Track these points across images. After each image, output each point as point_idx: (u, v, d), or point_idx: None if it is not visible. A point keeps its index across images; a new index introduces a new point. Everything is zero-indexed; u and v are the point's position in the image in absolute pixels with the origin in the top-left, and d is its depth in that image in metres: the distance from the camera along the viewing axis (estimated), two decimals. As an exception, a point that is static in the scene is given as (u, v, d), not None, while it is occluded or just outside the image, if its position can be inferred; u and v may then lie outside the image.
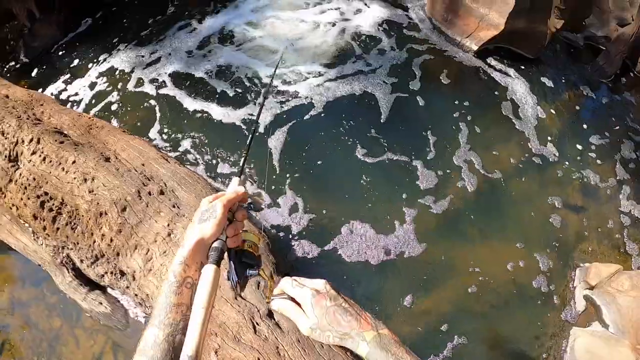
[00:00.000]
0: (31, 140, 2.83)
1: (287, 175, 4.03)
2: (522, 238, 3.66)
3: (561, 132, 4.41)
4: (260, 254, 1.08)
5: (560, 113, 4.57)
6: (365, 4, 5.80)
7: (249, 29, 5.64)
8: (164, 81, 5.20)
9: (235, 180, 1.15)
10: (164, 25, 6.11)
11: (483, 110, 4.51)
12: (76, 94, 5.38)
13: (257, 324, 1.90)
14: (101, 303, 2.51)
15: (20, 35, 6.37)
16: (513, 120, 4.42)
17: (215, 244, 0.99)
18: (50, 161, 2.70)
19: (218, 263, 0.96)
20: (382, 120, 4.42)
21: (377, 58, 5.02)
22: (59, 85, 5.58)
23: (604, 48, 5.17)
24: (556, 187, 4.00)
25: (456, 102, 4.55)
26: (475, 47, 4.94)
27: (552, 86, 4.80)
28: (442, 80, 4.75)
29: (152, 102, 4.98)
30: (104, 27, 6.42)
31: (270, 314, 1.92)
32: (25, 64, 6.12)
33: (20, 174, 2.78)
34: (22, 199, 2.73)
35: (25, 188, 2.72)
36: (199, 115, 4.72)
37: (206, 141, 4.44)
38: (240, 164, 1.23)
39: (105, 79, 5.48)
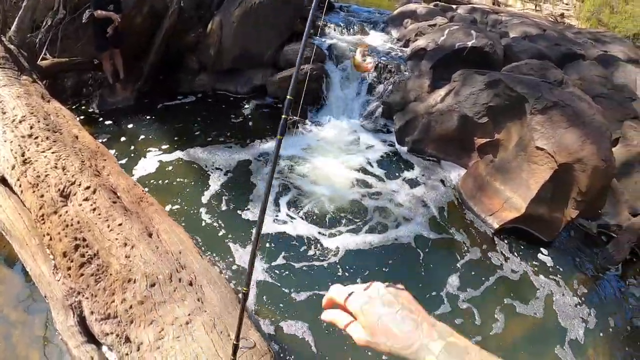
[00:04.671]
0: (88, 187, 3.15)
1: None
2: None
3: (565, 313, 4.58)
4: None
5: (568, 294, 4.78)
6: (402, 167, 6.49)
7: (296, 165, 6.26)
8: (208, 180, 5.68)
9: None
10: (225, 133, 6.80)
11: (494, 284, 4.75)
12: (126, 158, 5.87)
13: None
14: (92, 358, 2.65)
15: (99, 86, 6.99)
16: (521, 298, 4.64)
17: None
18: (100, 214, 2.99)
19: None
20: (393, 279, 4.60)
21: (400, 220, 5.44)
22: (114, 143, 6.10)
23: (615, 236, 5.57)
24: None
25: (468, 272, 4.82)
26: (496, 226, 5.39)
27: (563, 269, 5.09)
28: (458, 251, 5.10)
29: (193, 193, 5.39)
30: (172, 113, 7.15)
31: None
32: (94, 113, 6.69)
33: (67, 212, 3.05)
34: (59, 233, 2.97)
35: (67, 226, 2.98)
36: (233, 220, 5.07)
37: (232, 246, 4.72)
38: None
39: (155, 157, 6.00)
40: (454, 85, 6.41)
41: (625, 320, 4.74)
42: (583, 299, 4.82)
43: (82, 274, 2.79)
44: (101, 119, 6.68)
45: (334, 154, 6.62)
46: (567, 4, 14.45)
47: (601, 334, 4.47)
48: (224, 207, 5.20)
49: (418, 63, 7.43)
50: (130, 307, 2.55)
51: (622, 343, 4.48)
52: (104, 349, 2.71)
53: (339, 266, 4.66)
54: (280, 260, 4.58)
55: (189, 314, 2.47)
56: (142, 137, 6.38)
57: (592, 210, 5.56)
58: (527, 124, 5.35)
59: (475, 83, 6.10)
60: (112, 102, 7.00)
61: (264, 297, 4.15)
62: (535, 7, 13.85)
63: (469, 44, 6.99)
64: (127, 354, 2.49)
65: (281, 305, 4.10)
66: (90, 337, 2.76)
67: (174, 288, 2.59)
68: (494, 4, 13.10)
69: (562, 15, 13.11)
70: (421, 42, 7.64)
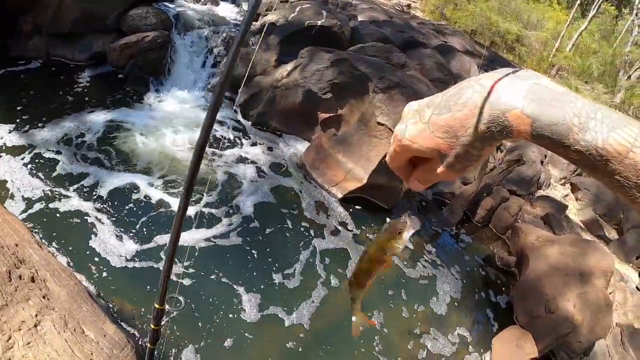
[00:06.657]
0: None
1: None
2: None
3: (410, 270, 5.18)
4: None
5: (411, 254, 5.36)
6: (246, 141, 6.55)
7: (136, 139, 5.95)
8: (39, 158, 5.15)
9: None
10: (60, 105, 6.19)
11: (339, 251, 5.15)
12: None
13: None
14: None
15: None
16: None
17: None
18: None
19: None
20: (239, 251, 4.75)
21: (244, 192, 5.55)
22: None
23: (448, 202, 6.40)
24: (391, 320, 4.57)
25: (316, 241, 5.15)
26: (340, 195, 5.79)
27: (402, 233, 5.75)
28: (304, 220, 5.38)
29: (22, 175, 4.85)
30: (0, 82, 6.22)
31: None
32: None
33: None
34: None
35: None
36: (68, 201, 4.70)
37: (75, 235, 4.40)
38: None
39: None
40: (301, 61, 6.62)
41: (462, 269, 5.60)
42: (424, 256, 5.52)
43: None
44: None
45: (177, 127, 6.45)
46: (415, -5, 15.56)
47: (444, 285, 5.22)
48: (57, 188, 4.81)
49: (266, 37, 7.48)
50: (-35, 314, 2.30)
51: (461, 290, 5.29)
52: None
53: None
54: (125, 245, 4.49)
55: (36, 315, 2.32)
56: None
57: (427, 180, 6.31)
58: (369, 101, 5.82)
59: (321, 60, 6.39)
60: None
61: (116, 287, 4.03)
62: (385, -6, 14.68)
63: (319, 22, 7.24)
64: (-32, 371, 2.26)
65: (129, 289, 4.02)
66: None
67: (15, 287, 2.39)
68: (346, -14, 13.60)
69: (408, 5, 14.11)
70: (271, 17, 7.69)
